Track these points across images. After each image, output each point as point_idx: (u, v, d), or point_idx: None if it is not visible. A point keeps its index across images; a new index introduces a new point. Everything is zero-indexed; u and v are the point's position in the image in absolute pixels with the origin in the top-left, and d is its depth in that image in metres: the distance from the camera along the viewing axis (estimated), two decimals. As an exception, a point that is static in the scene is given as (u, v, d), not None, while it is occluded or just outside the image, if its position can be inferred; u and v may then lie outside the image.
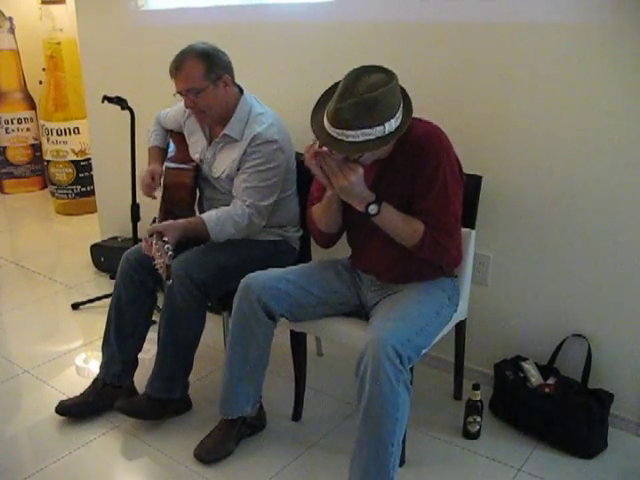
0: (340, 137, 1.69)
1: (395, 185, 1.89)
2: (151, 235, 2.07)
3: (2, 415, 2.37)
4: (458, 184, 1.90)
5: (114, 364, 2.33)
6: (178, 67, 2.19)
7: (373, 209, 1.80)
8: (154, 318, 2.41)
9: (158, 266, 1.98)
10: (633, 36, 1.93)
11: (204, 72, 2.18)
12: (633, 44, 1.94)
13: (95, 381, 2.35)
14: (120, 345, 2.32)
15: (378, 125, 1.68)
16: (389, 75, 1.71)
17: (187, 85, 2.19)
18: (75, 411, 2.29)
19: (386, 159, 1.90)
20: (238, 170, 2.29)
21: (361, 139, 1.68)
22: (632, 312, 2.12)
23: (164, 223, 2.18)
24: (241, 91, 2.33)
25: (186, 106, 2.25)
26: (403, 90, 1.79)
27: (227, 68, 2.26)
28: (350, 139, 1.68)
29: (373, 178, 1.88)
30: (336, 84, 1.74)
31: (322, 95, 1.82)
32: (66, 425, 2.27)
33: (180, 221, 2.20)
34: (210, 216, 2.23)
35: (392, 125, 1.71)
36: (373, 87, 1.66)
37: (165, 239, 2.02)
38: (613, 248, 2.11)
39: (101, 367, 2.36)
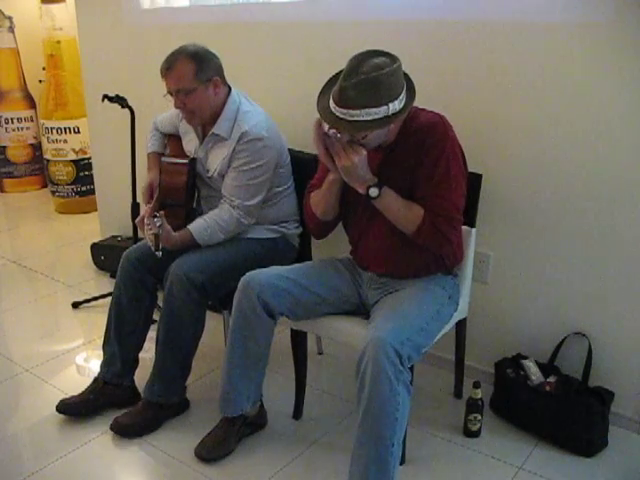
0: (345, 116, 1.72)
1: (398, 171, 1.90)
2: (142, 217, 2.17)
3: (3, 414, 2.37)
4: (461, 174, 1.91)
5: (114, 363, 2.33)
6: (169, 67, 2.20)
7: (374, 192, 1.82)
8: (155, 317, 2.41)
9: (148, 240, 2.06)
10: (636, 33, 1.93)
11: (194, 73, 2.19)
12: (636, 42, 1.94)
13: (95, 380, 2.35)
14: (120, 344, 2.32)
15: (382, 105, 1.70)
16: (392, 58, 1.74)
17: (177, 85, 2.20)
18: (75, 409, 2.29)
19: (390, 145, 1.91)
20: (228, 168, 2.30)
21: (365, 118, 1.71)
22: (633, 310, 2.12)
23: (165, 234, 2.16)
24: (229, 89, 2.33)
25: (175, 106, 2.26)
26: (406, 75, 1.81)
27: (217, 70, 2.26)
28: (355, 118, 1.71)
29: (377, 163, 1.89)
30: (341, 71, 1.76)
31: (328, 80, 1.85)
32: (67, 424, 2.27)
33: (176, 236, 2.20)
34: (198, 227, 2.25)
35: (396, 106, 1.73)
36: (377, 68, 1.69)
37: (155, 213, 2.09)
38: (614, 246, 2.11)
39: (101, 366, 2.36)
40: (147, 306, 2.37)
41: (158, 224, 2.05)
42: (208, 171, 2.37)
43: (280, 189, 2.40)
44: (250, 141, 2.24)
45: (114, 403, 2.31)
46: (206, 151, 2.37)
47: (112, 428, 2.20)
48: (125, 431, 2.20)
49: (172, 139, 2.55)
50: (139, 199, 2.87)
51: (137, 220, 2.22)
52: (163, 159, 2.45)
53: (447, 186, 1.85)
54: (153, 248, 2.05)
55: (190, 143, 2.44)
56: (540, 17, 2.07)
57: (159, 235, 2.04)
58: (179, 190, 2.38)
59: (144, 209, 2.25)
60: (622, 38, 1.95)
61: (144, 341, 2.38)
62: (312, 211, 2.06)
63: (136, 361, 2.38)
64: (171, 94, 2.23)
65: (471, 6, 2.20)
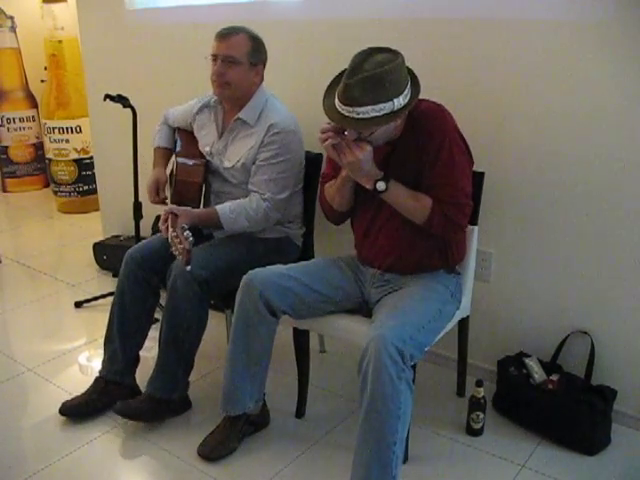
0: (351, 114, 1.73)
1: (403, 164, 1.91)
2: (166, 217, 2.13)
3: (6, 413, 2.37)
4: (465, 160, 1.92)
5: (116, 361, 2.33)
6: (229, 33, 2.25)
7: (381, 186, 1.83)
8: (157, 316, 2.42)
9: (177, 252, 1.99)
10: (635, 33, 1.92)
11: (248, 51, 2.26)
12: (635, 41, 1.93)
13: (97, 379, 2.35)
14: (122, 342, 2.32)
15: (387, 101, 1.71)
16: (395, 54, 1.75)
17: (229, 52, 2.24)
18: (77, 411, 2.29)
19: (395, 139, 1.92)
20: (254, 162, 2.30)
21: (371, 115, 1.72)
22: (635, 308, 2.12)
23: (181, 207, 2.23)
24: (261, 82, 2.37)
25: (215, 72, 2.25)
26: (410, 70, 1.82)
27: (264, 61, 2.33)
28: (360, 115, 1.72)
29: (382, 158, 1.90)
30: (344, 70, 1.77)
31: (332, 80, 1.86)
32: (70, 423, 2.27)
33: (196, 210, 2.28)
34: (224, 208, 2.27)
35: (401, 101, 1.74)
36: (380, 64, 1.70)
37: (184, 225, 2.07)
38: (617, 244, 2.11)
39: (103, 364, 2.36)
40: (149, 305, 2.37)
41: (190, 239, 1.98)
42: (227, 163, 2.36)
43: (294, 190, 2.39)
44: (279, 133, 2.26)
45: (116, 402, 2.31)
46: (226, 142, 2.37)
47: (115, 410, 2.21)
48: (126, 413, 2.21)
49: (183, 134, 2.55)
50: (141, 198, 2.88)
51: (160, 224, 2.17)
52: (178, 160, 2.44)
53: (452, 172, 1.86)
54: (183, 263, 1.96)
55: (207, 136, 2.44)
56: (541, 16, 2.06)
57: (191, 251, 1.96)
58: (194, 191, 2.38)
59: (163, 210, 2.20)
60: (623, 36, 1.95)
61: (145, 339, 2.39)
62: (328, 203, 2.08)
63: (137, 359, 2.38)
64: (215, 59, 2.25)
65: (473, 5, 2.20)
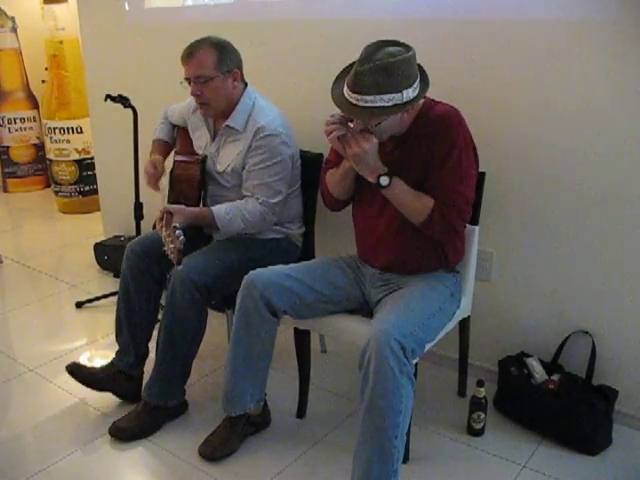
0: (359, 103, 1.73)
1: (408, 161, 1.91)
2: (162, 216, 2.12)
3: (7, 413, 2.38)
4: (472, 167, 1.92)
5: (129, 354, 2.34)
6: (191, 53, 2.20)
7: (384, 180, 1.83)
8: (158, 317, 2.42)
9: (169, 251, 1.99)
10: (635, 32, 1.92)
11: (216, 62, 2.20)
12: (635, 40, 1.93)
13: (110, 364, 2.37)
14: (133, 334, 2.34)
15: (396, 91, 1.72)
16: (407, 47, 1.77)
17: (197, 72, 2.20)
18: (83, 376, 2.33)
19: (402, 136, 1.92)
20: (244, 167, 2.29)
21: (379, 104, 1.72)
22: (636, 308, 2.12)
23: (175, 205, 2.23)
24: (245, 85, 2.35)
25: (192, 94, 2.25)
26: (420, 66, 1.83)
27: (238, 63, 2.28)
28: (369, 104, 1.72)
29: (387, 153, 1.90)
30: (354, 62, 1.78)
31: (342, 70, 1.87)
32: (71, 423, 2.28)
33: (191, 208, 2.26)
34: (220, 208, 2.27)
35: (410, 94, 1.75)
36: (392, 55, 1.72)
37: (175, 224, 2.05)
38: (618, 244, 2.11)
39: (116, 355, 2.38)
40: (154, 295, 2.38)
41: (180, 238, 1.98)
42: (219, 167, 2.36)
43: (290, 190, 2.39)
44: (267, 137, 2.24)
45: (118, 392, 2.33)
46: (218, 146, 2.36)
47: (110, 432, 2.19)
48: (123, 434, 2.19)
49: (181, 132, 2.55)
50: (142, 198, 2.88)
51: (156, 223, 2.18)
52: (176, 158, 2.44)
53: (458, 177, 1.86)
54: (175, 262, 1.97)
55: (200, 139, 2.44)
56: (541, 15, 2.06)
57: (181, 250, 1.96)
58: (193, 187, 2.38)
59: (161, 208, 2.21)
60: (625, 36, 1.95)
61: (153, 330, 2.39)
62: (329, 191, 2.09)
63: (147, 351, 2.39)
64: (189, 81, 2.23)
65: (476, 4, 2.20)
